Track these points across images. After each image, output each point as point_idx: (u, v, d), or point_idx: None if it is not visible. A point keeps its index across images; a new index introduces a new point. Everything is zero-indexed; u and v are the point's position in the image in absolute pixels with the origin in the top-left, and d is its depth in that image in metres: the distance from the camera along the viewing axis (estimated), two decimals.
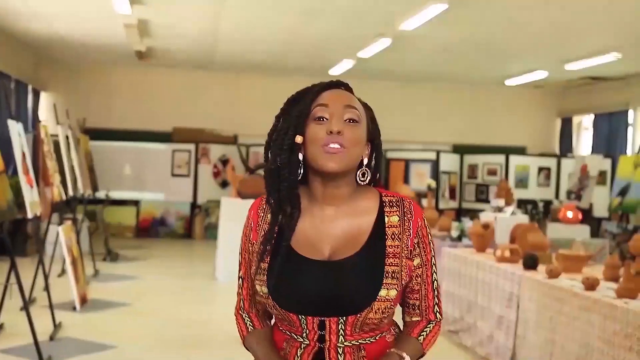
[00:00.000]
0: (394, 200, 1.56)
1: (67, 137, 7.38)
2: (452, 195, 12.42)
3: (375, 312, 1.46)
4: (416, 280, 1.56)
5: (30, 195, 5.02)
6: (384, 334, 1.54)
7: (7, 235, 4.17)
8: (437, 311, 1.60)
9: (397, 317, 1.63)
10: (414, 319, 1.60)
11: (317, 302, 1.46)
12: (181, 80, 12.43)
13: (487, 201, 11.03)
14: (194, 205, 12.01)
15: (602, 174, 10.70)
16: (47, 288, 5.31)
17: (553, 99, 13.58)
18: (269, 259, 1.51)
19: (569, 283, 4.14)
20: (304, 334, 1.50)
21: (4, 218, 4.16)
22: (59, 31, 9.42)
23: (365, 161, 1.55)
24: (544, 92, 13.47)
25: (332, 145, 1.45)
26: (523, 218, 6.62)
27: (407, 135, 13.26)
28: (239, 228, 1.65)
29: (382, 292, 1.47)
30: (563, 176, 11.70)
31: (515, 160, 11.97)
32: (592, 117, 12.71)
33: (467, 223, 6.71)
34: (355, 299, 1.46)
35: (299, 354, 1.50)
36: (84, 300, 6.26)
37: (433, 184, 8.03)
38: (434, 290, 1.59)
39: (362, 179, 1.55)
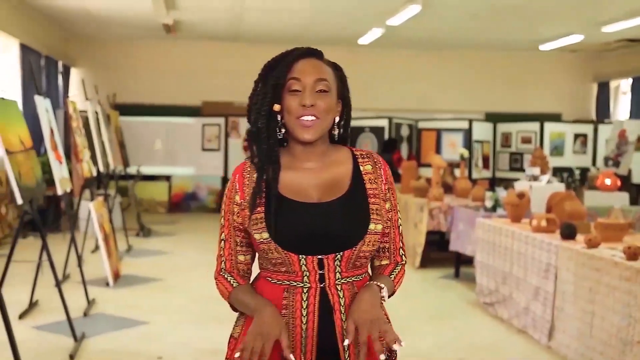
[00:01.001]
0: (364, 153, 1.75)
1: (96, 113, 7.38)
2: (486, 165, 12.21)
3: (367, 244, 1.63)
4: (387, 223, 1.72)
5: (60, 171, 5.02)
6: (366, 273, 1.71)
7: (38, 213, 4.16)
8: (402, 254, 1.78)
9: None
10: (383, 262, 1.77)
11: (315, 240, 1.59)
12: (209, 53, 12.35)
13: (521, 170, 10.82)
14: (225, 180, 12.00)
15: None
16: (79, 264, 5.33)
17: (589, 63, 13.20)
18: (263, 210, 1.62)
19: (609, 252, 4.00)
20: (305, 277, 1.61)
21: (34, 195, 4.15)
22: (88, 6, 9.39)
23: (337, 119, 1.71)
24: (579, 56, 13.10)
25: (305, 118, 1.61)
26: (559, 186, 6.43)
27: (439, 104, 13.04)
28: None
29: (371, 226, 1.63)
30: (600, 143, 11.40)
31: (550, 127, 11.69)
32: (630, 80, 12.33)
33: (502, 193, 6.55)
34: (351, 234, 1.61)
35: (304, 298, 1.61)
36: (117, 276, 6.29)
37: (466, 153, 7.86)
38: (400, 233, 1.77)
39: (334, 132, 1.72)
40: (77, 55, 11.96)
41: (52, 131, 5.07)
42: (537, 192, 6.14)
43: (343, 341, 1.60)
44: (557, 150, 11.65)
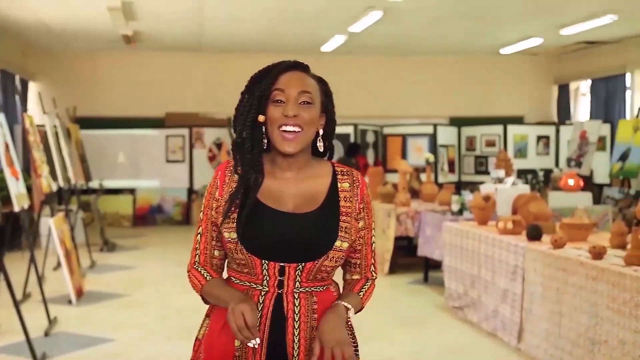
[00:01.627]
0: (345, 170, 1.80)
1: (54, 127, 7.21)
2: (451, 169, 12.28)
3: (330, 260, 1.68)
4: (359, 241, 1.78)
5: (17, 187, 4.88)
6: (329, 286, 1.76)
7: None
8: (373, 270, 1.84)
9: (337, 278, 1.82)
10: (354, 277, 1.82)
11: (280, 248, 1.64)
12: (171, 63, 12.21)
13: (486, 173, 10.89)
14: (190, 191, 11.86)
15: (601, 139, 10.55)
16: (39, 282, 5.18)
17: (549, 66, 13.38)
18: (237, 210, 1.67)
19: (575, 252, 4.01)
20: (264, 282, 1.67)
21: None
22: (45, 19, 9.20)
23: (321, 132, 1.76)
24: (539, 59, 13.28)
25: (288, 128, 1.66)
26: (524, 188, 6.45)
27: (403, 110, 13.08)
28: None
29: (337, 243, 1.68)
30: (562, 144, 11.55)
31: (513, 130, 11.81)
32: (589, 82, 12.52)
33: (467, 196, 6.56)
34: (316, 247, 1.66)
35: (261, 301, 1.67)
36: (80, 293, 6.14)
37: (431, 157, 7.88)
38: (372, 251, 1.83)
39: (319, 144, 1.77)
40: (35, 69, 11.71)
41: (7, 146, 4.93)
42: (502, 194, 6.15)
43: (293, 349, 1.66)
44: (521, 152, 11.77)
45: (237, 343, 1.67)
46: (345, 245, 1.71)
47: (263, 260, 1.65)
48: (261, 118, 1.68)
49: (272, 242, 1.65)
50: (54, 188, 6.37)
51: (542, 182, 11.40)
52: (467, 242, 5.30)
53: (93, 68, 12.06)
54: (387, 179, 9.43)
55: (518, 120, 12.89)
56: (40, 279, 5.18)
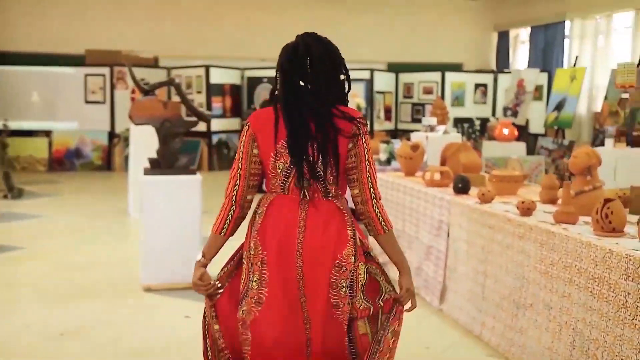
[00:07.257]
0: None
1: None
2: (388, 116, 11.93)
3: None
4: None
5: None
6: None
7: None
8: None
9: None
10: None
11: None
12: None
13: None
14: (112, 134, 11.16)
15: (538, 88, 10.34)
16: None
17: (489, 12, 13.04)
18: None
19: (502, 208, 3.68)
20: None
21: None
22: None
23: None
24: (479, 4, 12.92)
25: None
26: (456, 137, 6.16)
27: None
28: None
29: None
30: (500, 93, 11.32)
31: (451, 77, 11.50)
32: (528, 30, 12.25)
33: (397, 145, 6.20)
34: None
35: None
36: None
37: (362, 104, 7.45)
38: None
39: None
40: None
41: None
42: (433, 143, 5.83)
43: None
44: (458, 100, 11.49)
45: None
46: None
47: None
48: None
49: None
50: None
51: (478, 131, 11.18)
52: (392, 194, 4.94)
53: None
54: None
55: (457, 68, 12.56)
56: None
